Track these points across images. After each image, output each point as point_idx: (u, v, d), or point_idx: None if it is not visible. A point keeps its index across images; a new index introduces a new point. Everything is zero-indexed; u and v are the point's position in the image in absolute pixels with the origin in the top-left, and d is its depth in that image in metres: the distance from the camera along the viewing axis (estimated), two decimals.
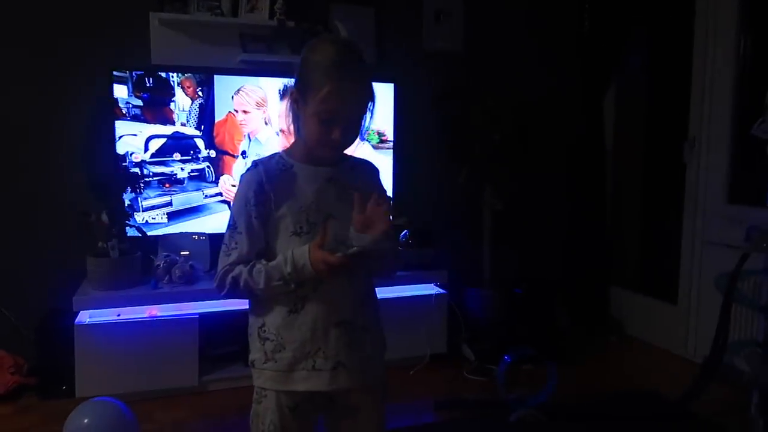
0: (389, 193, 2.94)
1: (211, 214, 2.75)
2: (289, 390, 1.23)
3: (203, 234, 2.72)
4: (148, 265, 2.59)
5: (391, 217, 1.20)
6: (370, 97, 1.22)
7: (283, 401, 1.24)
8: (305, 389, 1.23)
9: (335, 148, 1.22)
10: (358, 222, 1.17)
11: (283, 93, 1.26)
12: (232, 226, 1.23)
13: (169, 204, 2.69)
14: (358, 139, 1.26)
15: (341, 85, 1.15)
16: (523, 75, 3.39)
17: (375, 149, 2.94)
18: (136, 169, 2.59)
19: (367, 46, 3.06)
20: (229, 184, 2.75)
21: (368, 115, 1.23)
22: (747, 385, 2.35)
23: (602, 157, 3.58)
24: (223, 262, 1.22)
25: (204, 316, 2.52)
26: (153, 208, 2.66)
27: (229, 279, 1.20)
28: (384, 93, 2.95)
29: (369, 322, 1.30)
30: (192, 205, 2.73)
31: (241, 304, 1.30)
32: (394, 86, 2.98)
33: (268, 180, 1.22)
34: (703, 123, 3.01)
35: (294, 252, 1.17)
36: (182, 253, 2.64)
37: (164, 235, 2.68)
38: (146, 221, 2.67)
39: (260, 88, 2.76)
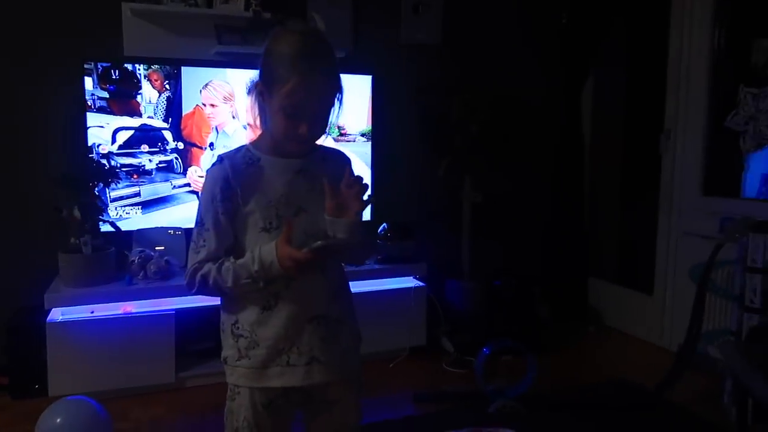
0: (369, 185, 2.93)
1: (179, 204, 2.75)
2: (263, 386, 1.22)
3: (179, 229, 2.68)
4: (123, 261, 2.54)
5: (367, 197, 1.19)
6: (338, 89, 1.19)
7: (256, 398, 1.22)
8: (279, 385, 1.22)
9: (303, 142, 1.19)
10: (331, 207, 1.16)
11: (250, 88, 1.22)
12: (199, 223, 1.21)
13: (138, 195, 2.66)
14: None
15: (307, 78, 1.12)
16: (502, 68, 3.39)
17: (336, 142, 2.91)
18: (104, 161, 2.57)
19: (344, 38, 3.04)
20: (197, 175, 2.75)
21: (336, 107, 1.20)
22: (721, 374, 2.40)
23: (580, 150, 3.60)
24: (192, 259, 1.20)
25: (180, 312, 2.49)
26: (121, 198, 2.63)
27: (198, 277, 1.18)
28: (359, 85, 2.93)
29: (343, 314, 1.29)
30: (160, 196, 2.71)
31: (218, 300, 1.28)
32: (372, 78, 2.97)
33: (235, 175, 1.19)
34: (678, 115, 3.04)
35: (261, 249, 1.15)
36: (157, 248, 2.60)
37: (139, 230, 2.64)
38: (120, 216, 2.63)
39: (227, 83, 2.74)
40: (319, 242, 1.10)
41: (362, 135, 2.99)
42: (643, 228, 3.26)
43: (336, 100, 1.19)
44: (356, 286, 2.68)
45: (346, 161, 1.33)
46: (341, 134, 2.94)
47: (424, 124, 3.23)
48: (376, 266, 2.84)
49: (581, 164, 3.61)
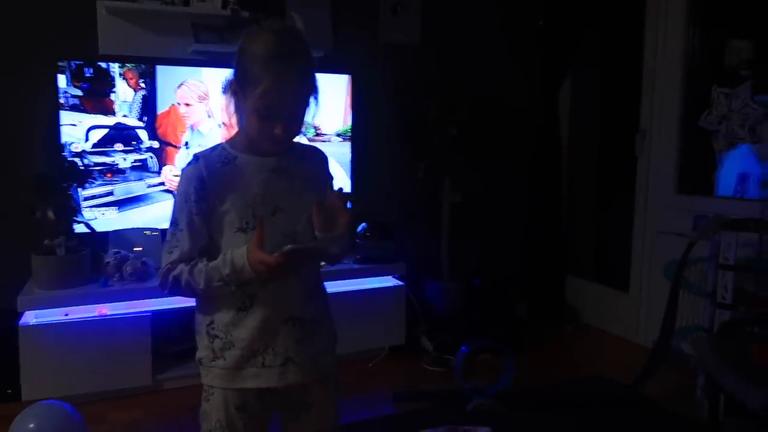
0: (347, 186, 2.93)
1: (154, 203, 2.72)
2: (238, 388, 1.21)
3: (155, 229, 2.66)
4: (98, 262, 2.50)
5: (350, 206, 1.18)
6: (314, 88, 1.18)
7: (230, 400, 1.22)
8: (254, 386, 1.21)
9: (278, 142, 1.18)
10: (320, 223, 1.16)
11: (225, 87, 1.21)
12: (173, 223, 1.20)
13: (111, 194, 2.64)
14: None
15: (281, 79, 1.11)
16: (481, 69, 3.41)
17: (311, 142, 2.88)
18: (77, 159, 2.53)
19: (323, 38, 3.03)
20: (172, 174, 2.73)
21: (313, 107, 1.19)
22: (694, 369, 2.44)
23: (558, 150, 3.64)
24: (165, 260, 1.19)
25: (157, 314, 2.46)
26: (93, 197, 2.60)
27: (170, 278, 1.17)
28: (336, 84, 2.93)
29: (319, 315, 1.29)
30: (134, 195, 2.68)
31: (195, 301, 1.27)
32: (350, 78, 2.97)
33: (210, 174, 1.18)
34: (653, 116, 3.09)
35: (233, 253, 1.14)
36: (134, 249, 2.57)
37: (115, 231, 2.61)
38: (95, 216, 2.59)
39: (202, 82, 2.73)
40: (289, 246, 1.08)
41: (338, 135, 2.98)
42: (619, 227, 3.30)
43: (312, 99, 1.19)
44: (336, 286, 2.71)
45: (323, 158, 1.33)
46: (317, 134, 2.93)
47: (402, 124, 3.23)
48: (355, 266, 2.84)
49: (559, 164, 3.64)
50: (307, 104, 1.18)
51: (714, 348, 2.02)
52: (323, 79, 1.20)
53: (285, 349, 1.21)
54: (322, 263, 1.36)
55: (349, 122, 2.99)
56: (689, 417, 2.30)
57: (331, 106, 2.94)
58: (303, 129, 1.24)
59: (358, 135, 3.02)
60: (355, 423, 2.18)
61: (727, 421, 2.12)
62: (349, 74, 2.98)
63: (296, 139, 1.26)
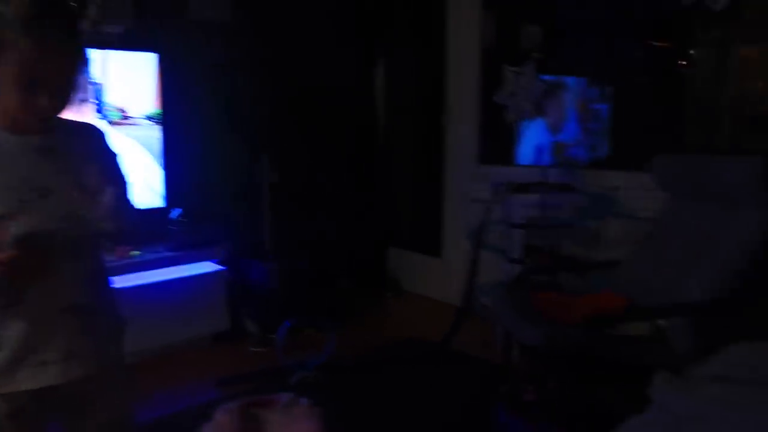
0: (158, 170, 2.78)
1: None
2: (10, 392, 1.10)
3: None
4: None
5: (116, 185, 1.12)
6: (81, 54, 1.09)
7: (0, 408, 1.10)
8: (31, 388, 1.10)
9: (44, 116, 1.08)
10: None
11: None
12: None
13: None
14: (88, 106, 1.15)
15: (41, 43, 1.01)
16: (296, 47, 3.40)
17: (115, 126, 2.68)
18: None
19: (122, 10, 2.81)
20: None
21: (82, 76, 1.10)
22: (494, 321, 2.72)
23: (375, 128, 3.79)
24: None
25: None
26: None
27: None
28: (143, 64, 2.75)
29: (101, 301, 1.21)
30: None
31: None
32: (158, 57, 2.79)
33: None
34: (456, 94, 3.35)
35: None
36: None
37: None
38: None
39: None
40: (14, 231, 1.00)
41: (148, 118, 2.81)
42: (432, 198, 3.55)
43: (81, 66, 1.09)
44: (151, 276, 2.57)
45: (99, 134, 1.23)
46: (123, 117, 2.73)
47: (218, 104, 3.14)
48: (168, 253, 2.71)
49: (377, 142, 3.80)
50: (75, 73, 1.08)
51: (505, 299, 2.26)
52: (128, 58, 1.12)
53: (66, 341, 1.12)
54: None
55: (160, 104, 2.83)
56: (491, 362, 2.56)
57: (139, 86, 2.74)
58: (74, 102, 1.14)
59: (169, 117, 2.86)
60: (176, 413, 2.10)
61: (521, 362, 2.40)
62: (156, 52, 2.80)
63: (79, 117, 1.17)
